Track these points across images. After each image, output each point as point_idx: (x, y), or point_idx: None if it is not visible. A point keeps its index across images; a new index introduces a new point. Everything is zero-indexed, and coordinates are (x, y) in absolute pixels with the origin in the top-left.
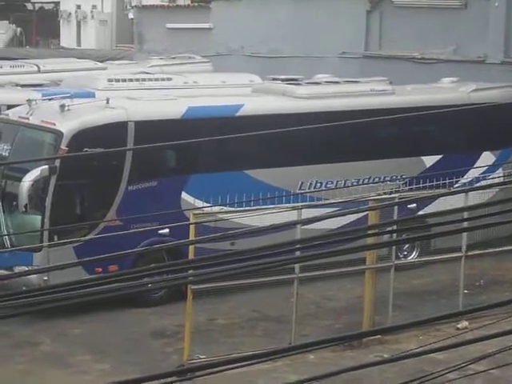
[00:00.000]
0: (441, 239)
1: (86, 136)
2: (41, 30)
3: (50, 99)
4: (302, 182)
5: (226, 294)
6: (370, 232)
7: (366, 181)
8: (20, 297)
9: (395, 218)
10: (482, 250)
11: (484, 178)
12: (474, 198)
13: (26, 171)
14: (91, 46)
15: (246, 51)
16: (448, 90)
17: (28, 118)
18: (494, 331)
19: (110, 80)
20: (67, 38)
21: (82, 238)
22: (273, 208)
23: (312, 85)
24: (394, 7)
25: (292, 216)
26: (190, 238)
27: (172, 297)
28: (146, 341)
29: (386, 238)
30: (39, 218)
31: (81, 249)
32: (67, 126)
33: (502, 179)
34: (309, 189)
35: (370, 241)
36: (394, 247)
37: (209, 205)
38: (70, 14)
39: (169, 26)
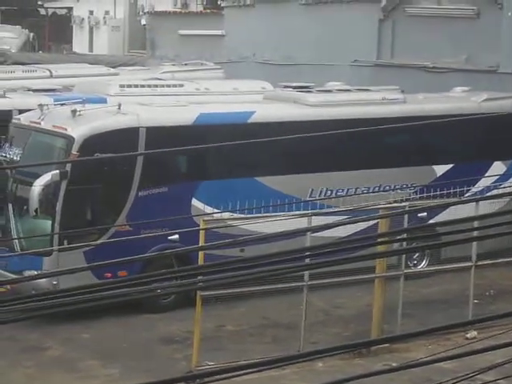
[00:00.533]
0: (451, 248)
1: (97, 141)
2: (53, 36)
3: (61, 104)
4: (313, 190)
5: (235, 301)
6: (379, 240)
7: (376, 189)
8: (29, 301)
9: (405, 226)
10: (492, 260)
11: (495, 188)
12: (485, 207)
13: (36, 176)
14: (103, 52)
15: (258, 58)
16: (459, 100)
17: (40, 123)
18: (503, 341)
19: (121, 86)
20: (80, 43)
21: (92, 243)
22: (283, 215)
23: (323, 93)
24: (407, 16)
25: (302, 223)
26: (200, 245)
27: (181, 303)
28: (155, 346)
29: (395, 246)
30: (49, 222)
31: (90, 254)
32: (78, 131)
33: None
34: (319, 196)
35: (379, 249)
36: (403, 256)
37: (219, 211)
38: (82, 19)
39: (181, 32)
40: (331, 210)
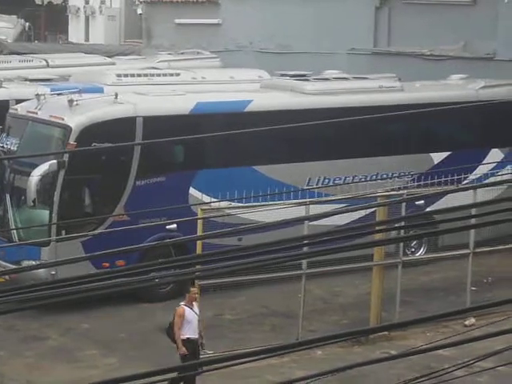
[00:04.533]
0: (449, 236)
1: (94, 131)
2: (49, 25)
3: (58, 94)
4: (310, 178)
5: (234, 290)
6: (377, 228)
7: (374, 177)
8: (28, 291)
9: (403, 214)
10: (489, 247)
11: (492, 175)
12: (483, 194)
13: (34, 166)
14: (99, 42)
15: (255, 47)
16: (457, 87)
17: (37, 113)
18: (502, 328)
19: (118, 75)
20: (75, 33)
21: (90, 233)
22: (280, 204)
23: (320, 81)
24: (403, 4)
25: (299, 212)
26: (198, 234)
27: (179, 292)
28: (153, 336)
29: (393, 234)
30: (47, 212)
31: (88, 244)
32: (76, 120)
33: (510, 176)
34: (317, 185)
35: (377, 237)
36: (401, 244)
37: (216, 200)
38: (78, 9)
39: (177, 21)
40: (329, 199)
